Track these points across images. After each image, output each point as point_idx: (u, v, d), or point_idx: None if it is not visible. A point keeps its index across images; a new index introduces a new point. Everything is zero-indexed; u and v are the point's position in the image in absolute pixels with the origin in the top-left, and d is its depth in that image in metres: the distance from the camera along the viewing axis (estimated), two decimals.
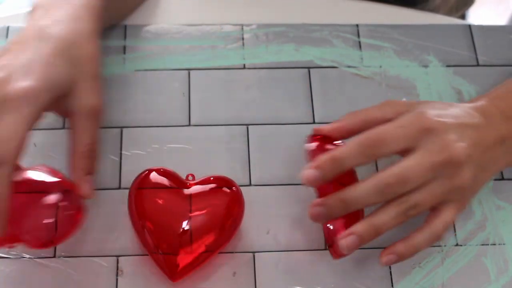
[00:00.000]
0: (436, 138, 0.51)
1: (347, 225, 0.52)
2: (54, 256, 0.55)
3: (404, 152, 0.51)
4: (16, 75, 0.49)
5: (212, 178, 0.57)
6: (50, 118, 0.62)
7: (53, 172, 0.55)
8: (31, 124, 0.48)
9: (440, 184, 0.51)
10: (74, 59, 0.52)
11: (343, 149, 0.50)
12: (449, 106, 0.55)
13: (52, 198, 0.53)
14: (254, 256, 0.57)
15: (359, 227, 0.50)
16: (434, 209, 0.53)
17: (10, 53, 0.51)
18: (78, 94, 0.52)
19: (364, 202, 0.50)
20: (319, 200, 0.51)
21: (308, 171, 0.50)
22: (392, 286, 0.56)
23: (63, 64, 0.51)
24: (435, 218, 0.52)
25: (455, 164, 0.51)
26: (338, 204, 0.50)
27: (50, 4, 0.54)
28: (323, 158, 0.50)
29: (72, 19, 0.53)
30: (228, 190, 0.56)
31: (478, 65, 0.67)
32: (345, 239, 0.50)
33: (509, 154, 0.56)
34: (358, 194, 0.50)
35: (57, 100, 0.51)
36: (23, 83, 0.48)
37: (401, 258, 0.52)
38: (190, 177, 0.58)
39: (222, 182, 0.56)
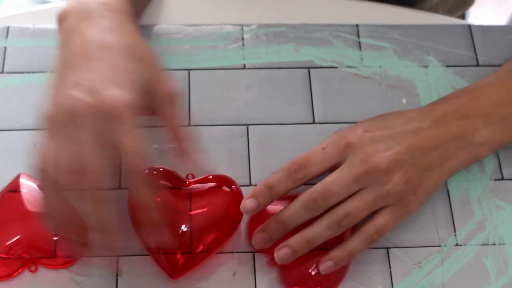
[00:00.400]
0: (357, 151, 0.54)
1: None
2: (54, 256, 0.55)
3: (332, 171, 0.54)
4: (102, 87, 0.48)
5: (211, 177, 0.57)
6: None
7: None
8: None
9: (369, 191, 0.53)
10: (142, 60, 0.52)
11: (273, 177, 0.54)
12: (394, 117, 0.57)
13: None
14: (254, 256, 0.57)
15: (292, 240, 0.53)
16: (373, 214, 0.55)
17: (77, 68, 0.50)
18: (158, 87, 0.52)
19: (297, 219, 0.54)
20: (260, 227, 0.55)
21: (244, 202, 0.54)
22: (392, 286, 0.56)
23: (138, 67, 0.51)
24: (368, 223, 0.54)
25: (379, 172, 0.53)
26: (277, 225, 0.54)
27: (88, 14, 0.54)
28: (258, 187, 0.54)
29: (118, 24, 0.54)
30: (228, 189, 0.56)
31: (478, 65, 0.67)
32: (279, 251, 0.54)
33: (467, 151, 0.58)
34: (290, 213, 0.54)
35: (144, 100, 0.51)
36: (116, 95, 0.48)
37: (338, 263, 0.54)
38: (189, 176, 0.58)
39: (221, 181, 0.57)
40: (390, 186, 0.54)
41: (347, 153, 0.54)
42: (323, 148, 0.55)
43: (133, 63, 0.51)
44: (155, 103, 0.53)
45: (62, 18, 0.55)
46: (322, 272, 0.54)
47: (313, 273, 0.55)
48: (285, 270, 0.55)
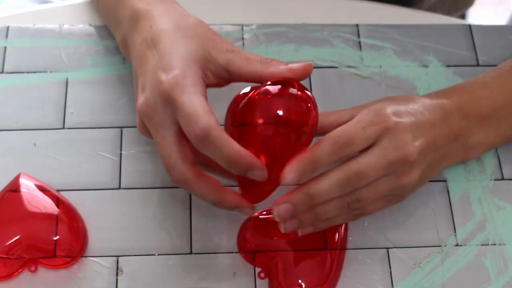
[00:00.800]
0: (392, 137, 0.53)
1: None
2: (54, 256, 0.55)
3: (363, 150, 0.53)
4: (160, 79, 0.51)
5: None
6: (50, 118, 0.62)
7: None
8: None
9: (388, 181, 0.53)
10: (190, 30, 0.54)
11: (317, 152, 0.51)
12: (412, 102, 0.56)
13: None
14: (254, 256, 0.57)
15: (302, 214, 0.52)
16: None
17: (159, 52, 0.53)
18: (217, 48, 0.53)
19: (327, 196, 0.52)
20: (283, 198, 0.52)
21: (290, 175, 0.50)
22: (392, 286, 0.56)
23: (189, 42, 0.53)
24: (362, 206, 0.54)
25: (407, 163, 0.53)
26: (305, 199, 0.51)
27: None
28: (300, 164, 0.50)
29: (166, 9, 0.56)
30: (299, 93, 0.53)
31: (478, 65, 0.67)
32: (279, 207, 0.52)
33: (461, 151, 0.58)
34: (322, 189, 0.51)
35: (205, 69, 0.53)
36: (169, 77, 0.50)
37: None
38: None
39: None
40: (406, 181, 0.53)
41: (383, 137, 0.53)
42: (363, 128, 0.52)
43: (182, 41, 0.53)
44: (221, 64, 0.53)
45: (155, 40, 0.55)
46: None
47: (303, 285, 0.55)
48: (274, 279, 0.55)
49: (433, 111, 0.56)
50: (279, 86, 0.52)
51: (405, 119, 0.54)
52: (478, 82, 0.60)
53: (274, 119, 0.51)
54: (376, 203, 0.54)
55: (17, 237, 0.55)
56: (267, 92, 0.52)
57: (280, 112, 0.51)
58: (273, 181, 0.51)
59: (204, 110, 0.48)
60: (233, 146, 0.48)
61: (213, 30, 0.55)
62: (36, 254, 0.55)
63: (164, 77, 0.50)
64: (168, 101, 0.50)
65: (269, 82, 0.52)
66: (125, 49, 0.58)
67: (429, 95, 0.59)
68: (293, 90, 0.52)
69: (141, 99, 0.52)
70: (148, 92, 0.51)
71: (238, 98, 0.53)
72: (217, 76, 0.53)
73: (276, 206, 0.52)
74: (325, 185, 0.51)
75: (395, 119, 0.53)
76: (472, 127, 0.58)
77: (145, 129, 0.53)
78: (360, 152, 0.52)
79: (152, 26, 0.54)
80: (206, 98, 0.50)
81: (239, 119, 0.52)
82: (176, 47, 0.52)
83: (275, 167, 0.51)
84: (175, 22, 0.54)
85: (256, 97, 0.52)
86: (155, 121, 0.51)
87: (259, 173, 0.49)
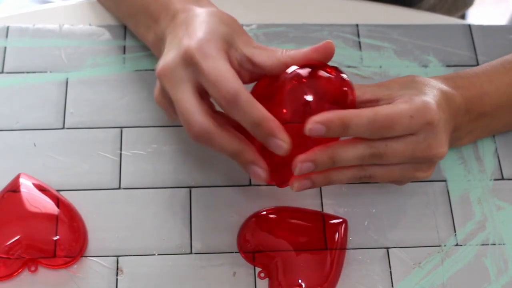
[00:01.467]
0: (431, 133, 0.52)
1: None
2: (54, 256, 0.55)
3: None
4: (184, 42, 0.51)
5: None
6: (50, 118, 0.62)
7: None
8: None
9: (400, 170, 0.54)
10: (223, 20, 0.54)
11: (353, 116, 0.50)
12: (434, 89, 0.55)
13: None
14: (254, 256, 0.57)
15: (316, 177, 0.53)
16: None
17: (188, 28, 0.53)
18: (241, 39, 0.54)
19: (348, 163, 0.52)
20: (304, 156, 0.51)
21: (317, 126, 0.50)
22: (392, 286, 0.56)
23: (218, 22, 0.53)
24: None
25: (429, 163, 0.54)
26: (327, 161, 0.51)
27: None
28: (332, 115, 0.50)
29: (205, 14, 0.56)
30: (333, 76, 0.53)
31: (478, 65, 0.67)
32: (300, 183, 0.53)
33: (453, 142, 0.58)
34: (345, 156, 0.52)
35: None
36: (193, 41, 0.51)
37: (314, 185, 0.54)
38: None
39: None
40: (418, 175, 0.54)
41: (423, 131, 0.52)
42: (411, 117, 0.51)
43: (218, 21, 0.54)
44: (242, 55, 0.53)
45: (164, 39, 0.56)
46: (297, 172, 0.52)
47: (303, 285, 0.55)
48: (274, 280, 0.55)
49: (448, 105, 0.55)
50: (310, 69, 0.52)
51: (443, 117, 0.53)
52: (485, 76, 0.60)
53: (305, 105, 0.51)
54: (384, 180, 0.55)
55: (17, 237, 0.55)
56: (299, 75, 0.52)
57: (310, 98, 0.51)
58: None
59: (231, 75, 0.49)
60: (260, 109, 0.49)
61: (244, 30, 0.56)
62: (36, 254, 0.55)
63: (187, 41, 0.51)
64: (190, 63, 0.50)
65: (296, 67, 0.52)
66: (158, 46, 0.58)
67: (442, 81, 0.57)
68: (325, 73, 0.52)
69: (161, 62, 0.52)
70: (170, 55, 0.51)
71: (263, 82, 0.54)
72: (240, 65, 0.53)
73: (300, 162, 0.51)
74: (350, 154, 0.51)
75: (438, 116, 0.53)
76: (469, 122, 0.58)
77: (163, 96, 0.53)
78: None
79: (188, 15, 0.55)
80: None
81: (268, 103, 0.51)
82: (206, 24, 0.53)
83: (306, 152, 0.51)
84: (210, 11, 0.55)
85: (293, 81, 0.52)
86: (174, 80, 0.51)
87: (280, 143, 0.49)
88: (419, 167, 0.54)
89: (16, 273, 0.55)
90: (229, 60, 0.52)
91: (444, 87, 0.56)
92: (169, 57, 0.51)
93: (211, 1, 0.58)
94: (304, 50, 0.53)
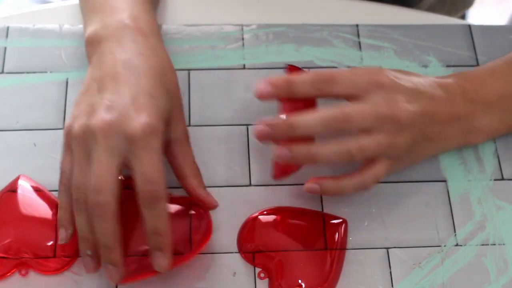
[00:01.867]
0: (385, 93, 0.54)
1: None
2: (54, 256, 0.55)
3: (351, 98, 0.54)
4: (129, 114, 0.49)
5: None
6: (50, 118, 0.62)
7: None
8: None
9: (384, 136, 0.54)
10: (168, 89, 0.53)
11: (298, 76, 0.53)
12: (414, 75, 0.57)
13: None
14: (254, 256, 0.57)
15: (296, 148, 0.53)
16: (369, 161, 0.55)
17: (108, 91, 0.51)
18: (176, 122, 0.54)
19: (309, 129, 0.53)
20: (265, 120, 0.53)
21: (263, 85, 0.53)
22: (392, 286, 0.56)
23: (164, 95, 0.52)
24: (368, 169, 0.55)
25: (396, 123, 0.54)
26: (284, 127, 0.53)
27: (117, 35, 0.55)
28: (279, 77, 0.53)
29: (150, 49, 0.54)
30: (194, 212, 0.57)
31: (478, 65, 0.67)
32: (280, 149, 0.53)
33: (463, 134, 0.59)
34: (304, 121, 0.52)
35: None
36: (141, 120, 0.49)
37: (324, 191, 0.56)
38: None
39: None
40: (399, 140, 0.54)
41: (374, 90, 0.54)
42: (354, 74, 0.54)
43: (161, 91, 0.52)
44: (168, 138, 0.53)
45: (94, 41, 0.55)
46: (305, 190, 0.55)
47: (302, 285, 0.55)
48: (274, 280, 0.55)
49: (436, 87, 0.57)
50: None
51: (403, 82, 0.55)
52: (486, 70, 0.61)
53: None
54: (382, 165, 0.55)
55: (11, 239, 0.55)
56: None
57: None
58: None
59: (162, 176, 0.49)
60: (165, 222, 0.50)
61: (180, 100, 0.55)
62: (31, 256, 0.55)
63: (135, 118, 0.49)
64: (130, 141, 0.49)
65: None
66: (92, 43, 0.56)
67: (439, 79, 0.59)
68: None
69: (97, 118, 0.49)
70: (100, 113, 0.49)
71: None
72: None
73: (256, 127, 0.53)
74: (308, 118, 0.52)
75: (391, 78, 0.54)
76: (476, 112, 0.58)
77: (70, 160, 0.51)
78: (349, 101, 0.54)
79: (136, 49, 0.53)
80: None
81: None
82: (156, 95, 0.51)
83: None
84: (162, 65, 0.54)
85: None
86: (103, 142, 0.49)
87: (161, 261, 0.51)
88: (392, 131, 0.54)
89: (9, 273, 0.54)
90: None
91: (429, 76, 0.58)
92: (99, 116, 0.49)
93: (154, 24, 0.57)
94: (199, 192, 0.56)
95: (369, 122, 0.53)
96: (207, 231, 0.55)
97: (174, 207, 0.56)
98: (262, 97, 0.53)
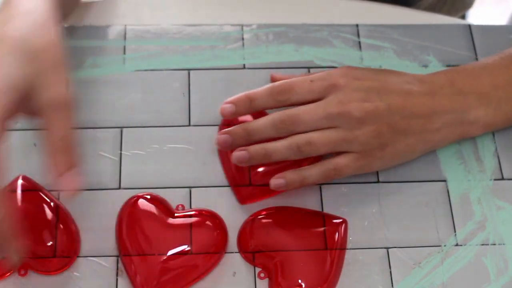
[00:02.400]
0: (339, 93, 0.56)
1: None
2: (54, 256, 0.55)
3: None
4: None
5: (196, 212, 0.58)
6: None
7: None
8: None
9: (337, 131, 0.55)
10: (29, 54, 0.49)
11: (256, 91, 0.57)
12: (391, 74, 0.59)
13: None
14: (254, 256, 0.57)
15: (251, 147, 0.56)
16: (335, 153, 0.57)
17: None
18: (41, 88, 0.49)
19: (261, 133, 0.56)
20: (225, 130, 0.57)
21: (227, 105, 0.57)
22: (392, 286, 0.56)
23: (17, 62, 0.49)
24: (329, 158, 0.57)
25: (351, 118, 0.55)
26: (241, 132, 0.56)
27: (5, 3, 0.52)
28: (239, 96, 0.57)
29: (24, 13, 0.51)
30: (211, 224, 0.57)
31: None
32: (237, 152, 0.56)
33: (456, 127, 0.59)
34: (256, 125, 0.56)
35: (22, 101, 0.49)
36: None
37: (290, 184, 0.56)
38: (180, 207, 0.58)
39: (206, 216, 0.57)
40: (358, 133, 0.55)
41: (330, 92, 0.56)
42: (311, 81, 0.57)
43: (13, 58, 0.49)
44: (38, 106, 0.50)
45: None
46: (272, 187, 0.56)
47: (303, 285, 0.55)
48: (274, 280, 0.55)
49: (415, 83, 0.58)
50: None
51: (365, 82, 0.56)
52: (478, 63, 0.62)
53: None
54: (345, 157, 0.56)
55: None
56: None
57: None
58: None
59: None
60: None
61: (57, 60, 0.50)
62: (30, 255, 0.55)
63: None
64: None
65: None
66: None
67: (425, 74, 0.60)
68: None
69: None
70: None
71: None
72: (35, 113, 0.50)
73: (218, 135, 0.57)
74: (260, 122, 0.56)
75: (346, 79, 0.56)
76: (469, 103, 0.59)
77: None
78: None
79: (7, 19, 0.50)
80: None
81: None
82: (4, 63, 0.48)
83: None
84: (24, 32, 0.50)
85: None
86: None
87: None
88: (349, 126, 0.55)
89: (9, 273, 0.54)
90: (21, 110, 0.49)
91: (415, 74, 0.59)
92: None
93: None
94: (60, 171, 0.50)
95: (318, 121, 0.55)
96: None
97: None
98: (227, 116, 0.57)
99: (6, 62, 0.49)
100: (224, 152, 0.60)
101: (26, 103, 0.50)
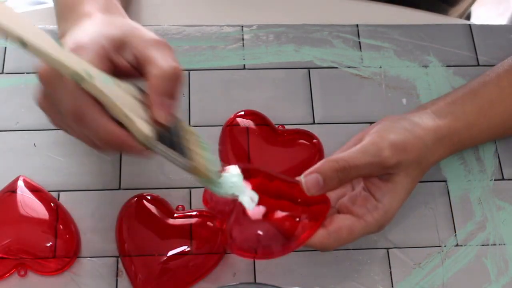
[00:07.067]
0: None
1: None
2: (54, 257, 0.55)
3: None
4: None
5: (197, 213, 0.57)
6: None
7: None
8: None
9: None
10: (115, 24, 0.52)
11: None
12: (406, 135, 0.55)
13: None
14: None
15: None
16: None
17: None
18: (134, 39, 0.51)
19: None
20: (314, 169, 0.52)
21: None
22: (392, 286, 0.56)
23: (108, 28, 0.51)
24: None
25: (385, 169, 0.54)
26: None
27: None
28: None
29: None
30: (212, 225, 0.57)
31: (478, 65, 0.67)
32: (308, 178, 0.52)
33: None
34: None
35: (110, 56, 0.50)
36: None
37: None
38: (180, 208, 0.58)
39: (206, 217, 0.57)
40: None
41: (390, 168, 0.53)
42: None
43: (103, 27, 0.51)
44: (133, 54, 0.51)
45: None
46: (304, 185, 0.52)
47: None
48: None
49: (426, 136, 0.56)
50: None
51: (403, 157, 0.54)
52: (474, 108, 0.59)
53: None
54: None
55: (11, 239, 0.55)
56: None
57: None
58: None
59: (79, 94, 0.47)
60: (106, 125, 0.48)
61: (145, 30, 0.53)
62: (30, 256, 0.55)
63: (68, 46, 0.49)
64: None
65: None
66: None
67: (429, 117, 0.58)
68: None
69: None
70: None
71: None
72: (132, 65, 0.51)
73: (306, 177, 0.52)
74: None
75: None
76: (447, 151, 0.58)
77: (47, 100, 0.52)
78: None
79: (88, 20, 0.53)
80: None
81: None
82: (91, 28, 0.51)
83: None
84: (108, 17, 0.53)
85: None
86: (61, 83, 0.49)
87: (134, 150, 0.49)
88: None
89: (8, 274, 0.55)
90: (115, 62, 0.50)
91: (420, 123, 0.56)
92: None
93: (123, 12, 0.56)
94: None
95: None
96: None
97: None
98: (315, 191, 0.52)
99: (99, 24, 0.52)
100: (224, 153, 0.60)
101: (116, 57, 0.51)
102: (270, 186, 0.53)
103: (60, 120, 0.51)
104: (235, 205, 0.52)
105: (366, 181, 0.54)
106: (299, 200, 0.52)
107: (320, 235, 0.51)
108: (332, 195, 0.55)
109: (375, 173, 0.53)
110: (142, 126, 0.48)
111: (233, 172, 0.51)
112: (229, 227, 0.52)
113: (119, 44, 0.50)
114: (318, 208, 0.52)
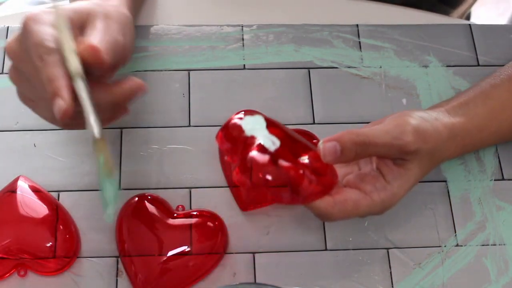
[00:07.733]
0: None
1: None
2: (54, 257, 0.55)
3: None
4: None
5: (197, 213, 0.57)
6: None
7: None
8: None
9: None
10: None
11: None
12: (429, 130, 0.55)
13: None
14: (254, 256, 0.57)
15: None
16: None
17: None
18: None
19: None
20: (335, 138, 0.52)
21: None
22: (392, 286, 0.56)
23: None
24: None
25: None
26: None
27: None
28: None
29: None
30: (212, 225, 0.57)
31: (478, 65, 0.67)
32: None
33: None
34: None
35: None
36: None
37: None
38: (180, 208, 0.58)
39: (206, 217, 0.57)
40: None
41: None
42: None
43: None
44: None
45: None
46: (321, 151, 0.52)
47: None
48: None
49: (443, 131, 0.56)
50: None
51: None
52: (485, 110, 0.59)
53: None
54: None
55: (11, 239, 0.55)
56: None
57: None
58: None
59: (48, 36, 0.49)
60: (54, 69, 0.49)
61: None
62: (30, 256, 0.55)
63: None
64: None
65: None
66: None
67: (442, 112, 0.58)
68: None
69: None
70: None
71: None
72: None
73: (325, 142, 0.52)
74: None
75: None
76: (458, 150, 0.58)
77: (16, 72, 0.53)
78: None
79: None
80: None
81: None
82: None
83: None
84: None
85: None
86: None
87: (60, 103, 0.49)
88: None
89: (8, 274, 0.55)
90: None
91: (437, 118, 0.56)
92: None
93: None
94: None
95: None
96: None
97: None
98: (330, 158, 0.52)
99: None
100: (225, 154, 0.60)
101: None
102: (288, 141, 0.53)
103: (29, 91, 0.52)
104: (249, 146, 0.52)
105: (380, 161, 0.54)
106: (312, 165, 0.52)
107: (326, 202, 0.52)
108: (339, 171, 0.55)
109: (392, 155, 0.53)
110: (76, 61, 0.49)
111: (258, 117, 0.53)
112: (243, 161, 0.52)
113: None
114: (327, 179, 0.52)
